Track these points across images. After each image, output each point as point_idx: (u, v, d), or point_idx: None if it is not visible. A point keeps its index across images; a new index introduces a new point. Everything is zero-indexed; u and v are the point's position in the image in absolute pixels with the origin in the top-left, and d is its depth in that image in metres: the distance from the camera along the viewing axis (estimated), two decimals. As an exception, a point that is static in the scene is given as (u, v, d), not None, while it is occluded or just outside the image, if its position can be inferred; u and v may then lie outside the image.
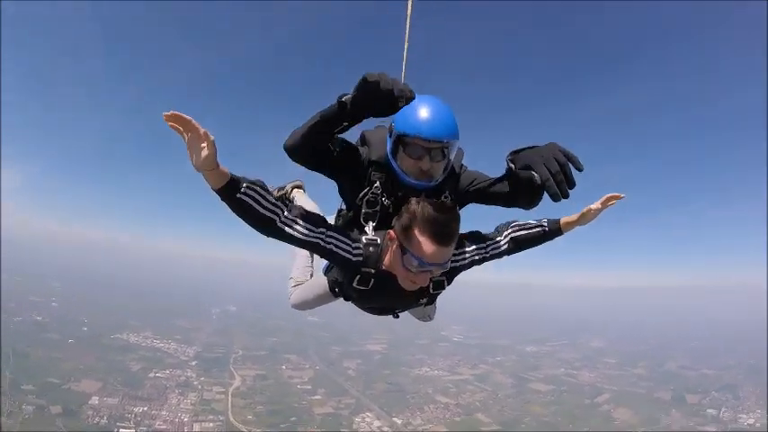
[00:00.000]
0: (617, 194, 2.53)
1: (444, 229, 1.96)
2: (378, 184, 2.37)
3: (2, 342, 46.61)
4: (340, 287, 2.68)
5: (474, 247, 2.47)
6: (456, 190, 2.54)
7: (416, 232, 1.97)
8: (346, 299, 2.68)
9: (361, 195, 2.40)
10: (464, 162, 2.65)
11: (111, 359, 50.70)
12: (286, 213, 2.00)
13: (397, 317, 2.85)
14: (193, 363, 54.22)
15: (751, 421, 44.49)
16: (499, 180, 2.49)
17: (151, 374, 48.33)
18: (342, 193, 2.68)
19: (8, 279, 79.54)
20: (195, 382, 48.31)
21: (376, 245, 2.20)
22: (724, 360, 69.61)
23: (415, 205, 2.01)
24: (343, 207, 2.79)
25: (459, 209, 2.67)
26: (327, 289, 2.95)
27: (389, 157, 2.35)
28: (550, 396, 54.49)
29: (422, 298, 2.46)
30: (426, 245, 1.95)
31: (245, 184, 1.83)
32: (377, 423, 43.43)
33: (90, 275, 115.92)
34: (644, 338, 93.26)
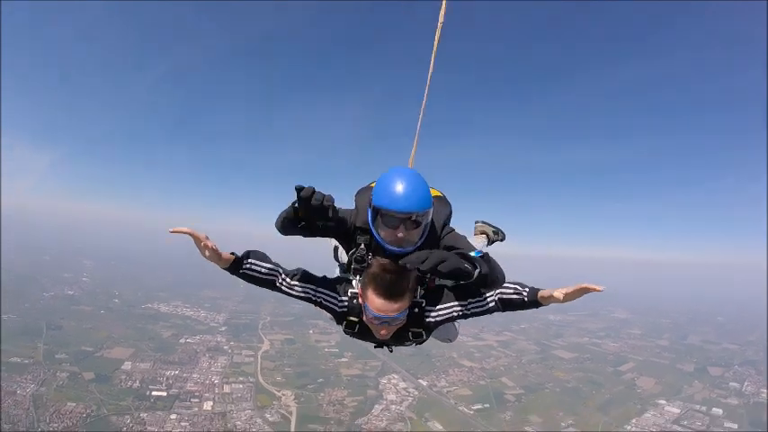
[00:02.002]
0: (595, 287, 2.11)
1: (389, 287, 2.26)
2: (362, 246, 2.69)
3: (34, 316, 49.26)
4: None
5: (455, 303, 2.58)
6: None
7: (369, 288, 2.32)
8: (345, 332, 2.97)
9: (350, 254, 2.72)
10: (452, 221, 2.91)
11: (143, 327, 52.33)
12: (282, 276, 2.55)
13: (392, 351, 3.09)
14: (223, 329, 55.60)
15: (773, 396, 43.87)
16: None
17: (182, 340, 49.80)
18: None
19: (38, 258, 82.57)
20: (225, 347, 49.63)
21: (359, 297, 2.53)
22: (747, 336, 69.15)
23: (371, 264, 2.40)
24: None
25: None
26: None
27: (371, 226, 2.61)
28: (574, 363, 54.63)
29: (406, 341, 2.74)
30: (375, 300, 2.29)
31: (246, 261, 2.46)
32: (402, 384, 44.20)
33: (119, 252, 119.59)
34: (668, 312, 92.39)
